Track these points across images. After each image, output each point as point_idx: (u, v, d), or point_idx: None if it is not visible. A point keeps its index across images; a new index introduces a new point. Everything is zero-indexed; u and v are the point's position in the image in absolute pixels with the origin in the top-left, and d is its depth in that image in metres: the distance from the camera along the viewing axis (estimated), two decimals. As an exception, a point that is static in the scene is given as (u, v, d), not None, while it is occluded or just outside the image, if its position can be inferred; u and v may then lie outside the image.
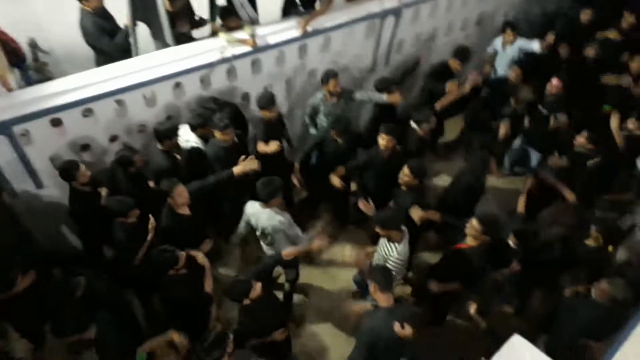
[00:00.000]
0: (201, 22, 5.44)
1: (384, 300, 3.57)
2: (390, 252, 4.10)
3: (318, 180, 5.52)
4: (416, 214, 4.47)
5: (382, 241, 4.22)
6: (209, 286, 4.14)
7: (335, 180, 5.08)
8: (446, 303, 4.89)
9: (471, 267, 4.19)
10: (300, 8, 5.56)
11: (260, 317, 3.80)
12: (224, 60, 4.88)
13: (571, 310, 4.17)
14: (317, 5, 5.42)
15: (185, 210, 4.29)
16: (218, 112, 4.70)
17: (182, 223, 4.26)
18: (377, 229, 4.07)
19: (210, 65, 4.84)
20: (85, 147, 4.82)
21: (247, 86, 5.31)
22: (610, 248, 4.43)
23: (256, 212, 4.32)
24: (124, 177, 4.50)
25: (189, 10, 5.52)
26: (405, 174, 4.51)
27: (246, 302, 3.68)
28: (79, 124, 4.51)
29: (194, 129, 4.75)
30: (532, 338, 3.21)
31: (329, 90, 5.19)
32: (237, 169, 4.51)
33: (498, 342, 3.13)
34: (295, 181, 5.33)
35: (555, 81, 5.59)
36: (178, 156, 4.68)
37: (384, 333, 3.53)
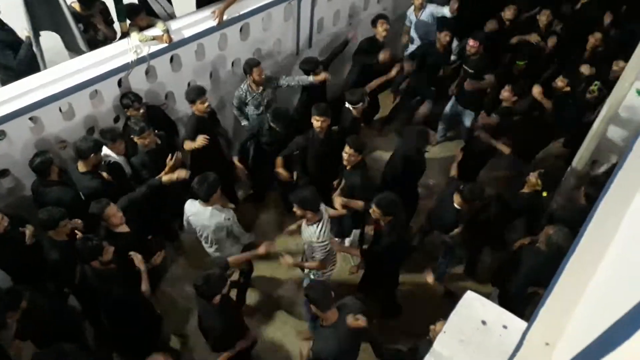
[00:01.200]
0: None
1: (328, 318, 3.50)
2: (311, 236, 4.06)
3: (261, 172, 5.45)
4: (338, 201, 4.53)
5: (303, 225, 4.17)
6: (145, 286, 3.96)
7: (281, 172, 5.01)
8: (391, 289, 4.86)
9: (386, 245, 4.24)
10: None
11: (227, 319, 3.70)
12: (140, 61, 4.66)
13: (517, 261, 4.34)
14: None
15: (123, 229, 4.09)
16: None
17: (123, 242, 4.03)
18: (295, 208, 4.02)
19: (127, 68, 4.61)
20: (4, 173, 4.50)
21: (170, 85, 5.11)
22: (545, 193, 4.59)
23: (197, 212, 4.18)
24: (47, 189, 4.19)
25: (105, 13, 5.24)
26: (347, 152, 4.49)
27: (216, 300, 3.54)
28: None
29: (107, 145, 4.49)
30: (485, 294, 3.31)
31: (254, 80, 5.10)
32: (165, 178, 4.37)
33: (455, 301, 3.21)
34: (240, 175, 5.24)
35: (471, 41, 5.71)
36: (105, 174, 4.43)
37: (334, 351, 3.49)
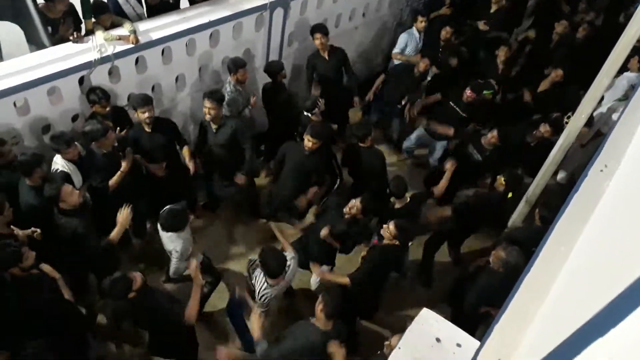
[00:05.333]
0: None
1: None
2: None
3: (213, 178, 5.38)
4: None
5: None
6: (67, 294, 3.83)
7: (240, 179, 5.04)
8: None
9: (383, 263, 4.30)
10: None
11: (152, 303, 3.68)
12: (104, 60, 4.53)
13: (471, 280, 4.41)
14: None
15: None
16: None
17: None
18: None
19: (89, 66, 4.47)
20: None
21: (133, 86, 4.99)
22: (510, 194, 4.81)
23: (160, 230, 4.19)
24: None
25: (73, 14, 5.07)
26: (309, 140, 4.67)
27: (131, 295, 3.49)
28: None
29: (59, 151, 4.26)
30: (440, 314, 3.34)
31: (237, 80, 5.15)
32: (112, 181, 4.33)
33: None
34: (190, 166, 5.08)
35: (469, 92, 5.75)
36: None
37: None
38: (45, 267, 3.78)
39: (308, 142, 4.77)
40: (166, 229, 4.05)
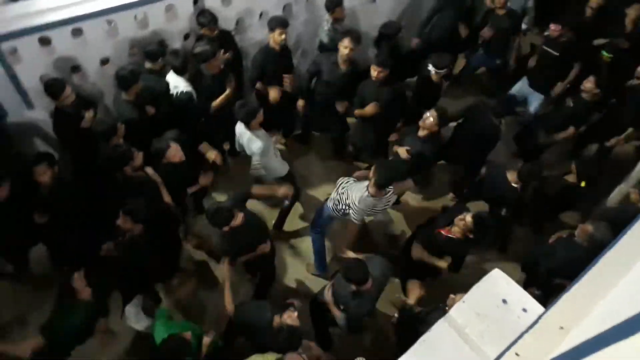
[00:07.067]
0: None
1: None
2: (356, 197, 4.11)
3: (316, 111, 5.44)
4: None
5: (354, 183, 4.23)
6: (167, 197, 4.18)
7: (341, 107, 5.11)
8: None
9: (451, 253, 4.22)
10: None
11: (241, 239, 3.91)
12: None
13: (550, 250, 4.27)
14: None
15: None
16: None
17: (178, 173, 4.27)
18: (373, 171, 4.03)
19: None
20: (75, 69, 4.70)
21: (242, 11, 5.11)
22: (582, 183, 4.56)
23: (241, 133, 4.42)
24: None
25: None
26: (431, 120, 4.53)
27: (226, 229, 3.77)
28: (68, 44, 4.37)
29: (179, 71, 4.53)
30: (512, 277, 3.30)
31: (335, 18, 5.12)
32: (215, 103, 4.58)
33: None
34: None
35: (552, 26, 5.43)
36: (151, 108, 4.47)
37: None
38: (149, 170, 4.16)
39: (374, 71, 4.69)
40: (241, 119, 4.25)
